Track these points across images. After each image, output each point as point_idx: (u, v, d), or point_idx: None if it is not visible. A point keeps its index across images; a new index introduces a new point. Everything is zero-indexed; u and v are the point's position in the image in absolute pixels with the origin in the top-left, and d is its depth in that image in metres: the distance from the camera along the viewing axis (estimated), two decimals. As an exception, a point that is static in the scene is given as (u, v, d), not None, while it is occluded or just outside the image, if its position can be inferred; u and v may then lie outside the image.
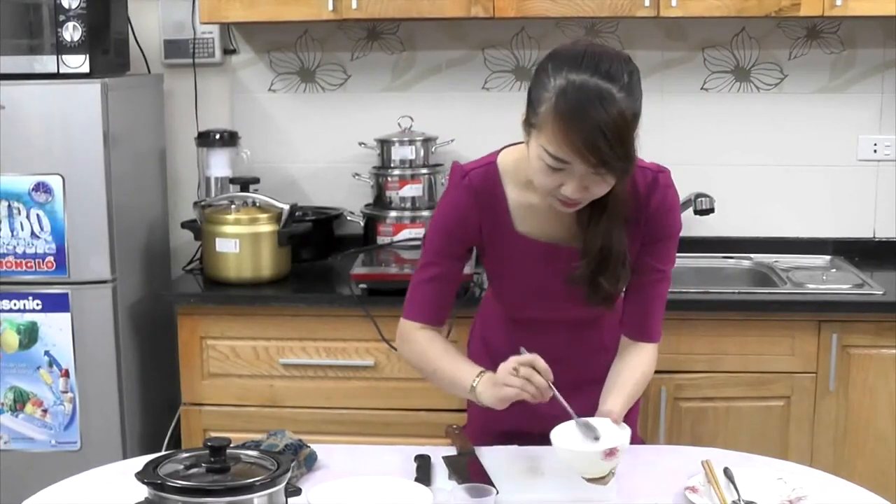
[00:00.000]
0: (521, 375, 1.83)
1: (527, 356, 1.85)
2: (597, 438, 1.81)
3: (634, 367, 2.03)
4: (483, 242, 2.05)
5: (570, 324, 2.10)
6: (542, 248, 2.01)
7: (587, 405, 1.93)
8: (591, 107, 1.73)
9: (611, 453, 1.76)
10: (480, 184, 2.01)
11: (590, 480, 1.79)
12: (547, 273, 2.00)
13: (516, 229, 2.01)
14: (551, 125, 1.77)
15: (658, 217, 2.00)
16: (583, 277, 1.94)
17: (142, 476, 1.53)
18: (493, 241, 2.03)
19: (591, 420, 1.85)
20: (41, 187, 2.93)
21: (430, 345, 2.06)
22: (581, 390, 1.98)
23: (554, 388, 1.83)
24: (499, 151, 2.05)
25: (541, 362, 1.84)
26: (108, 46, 3.11)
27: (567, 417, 1.85)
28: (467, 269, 2.27)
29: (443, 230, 2.05)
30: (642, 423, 2.84)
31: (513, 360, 1.85)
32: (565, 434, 1.83)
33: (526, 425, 2.07)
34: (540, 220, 1.99)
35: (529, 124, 1.84)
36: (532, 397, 1.83)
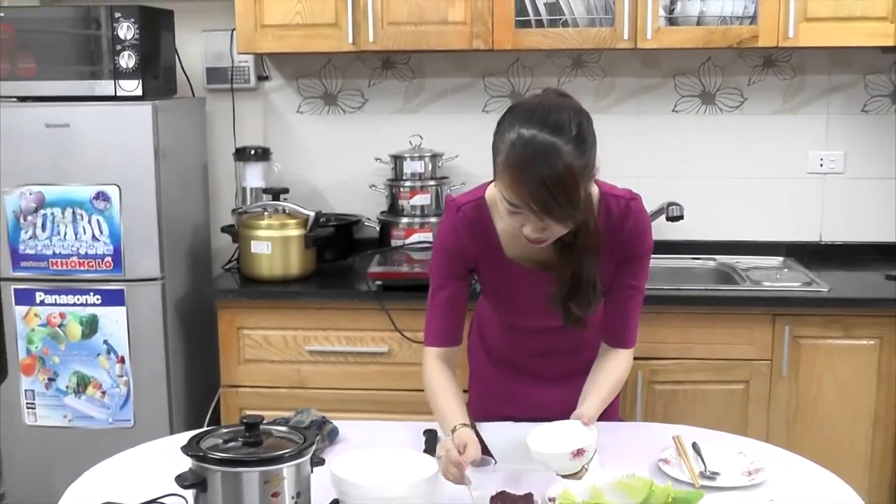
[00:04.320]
0: (442, 469, 1.74)
1: (454, 456, 1.73)
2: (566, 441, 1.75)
3: (611, 371, 1.98)
4: (478, 265, 2.00)
5: (556, 328, 2.04)
6: (527, 272, 1.96)
7: (570, 394, 1.93)
8: (536, 161, 1.66)
9: (578, 453, 1.72)
10: (473, 216, 1.95)
11: (565, 477, 1.75)
12: (533, 293, 1.95)
13: (506, 255, 1.96)
14: (505, 175, 1.71)
15: (631, 240, 1.93)
16: (557, 301, 1.89)
17: (186, 449, 1.54)
18: (487, 264, 1.98)
19: (563, 423, 1.81)
20: (101, 196, 2.94)
21: (434, 378, 1.98)
22: (565, 381, 1.99)
23: (468, 477, 1.72)
24: (486, 185, 1.98)
25: (457, 459, 1.72)
26: (158, 73, 3.12)
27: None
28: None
29: (445, 253, 1.99)
30: (622, 405, 2.84)
31: (443, 452, 1.76)
32: (540, 437, 1.78)
33: (516, 412, 2.09)
34: (525, 247, 1.89)
35: (494, 170, 1.78)
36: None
